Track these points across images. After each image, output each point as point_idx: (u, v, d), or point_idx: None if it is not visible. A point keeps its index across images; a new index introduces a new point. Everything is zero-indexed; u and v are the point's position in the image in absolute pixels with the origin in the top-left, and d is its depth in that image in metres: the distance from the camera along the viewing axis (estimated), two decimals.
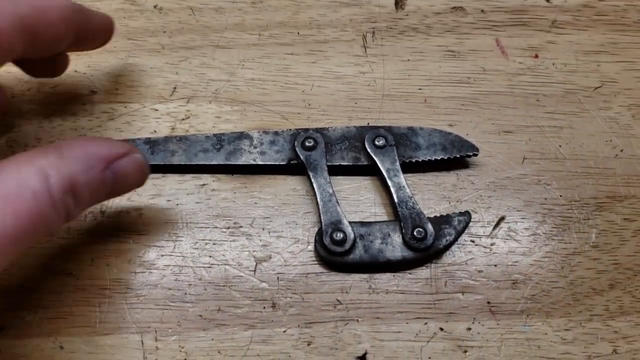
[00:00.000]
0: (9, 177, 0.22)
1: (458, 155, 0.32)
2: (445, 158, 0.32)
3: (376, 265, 0.30)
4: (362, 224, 0.31)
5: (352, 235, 0.30)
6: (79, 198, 0.24)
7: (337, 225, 0.30)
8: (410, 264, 0.31)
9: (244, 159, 0.32)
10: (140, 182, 0.28)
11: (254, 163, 0.32)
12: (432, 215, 0.32)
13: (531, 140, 0.34)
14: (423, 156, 0.32)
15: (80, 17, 0.28)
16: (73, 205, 0.24)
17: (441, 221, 0.31)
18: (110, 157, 0.26)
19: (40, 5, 0.26)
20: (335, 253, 0.30)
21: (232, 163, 0.32)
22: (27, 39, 0.25)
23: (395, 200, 0.31)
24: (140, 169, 0.27)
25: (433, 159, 0.32)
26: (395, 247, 0.30)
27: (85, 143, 0.25)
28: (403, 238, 0.30)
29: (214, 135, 0.33)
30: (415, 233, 0.30)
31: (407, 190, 0.31)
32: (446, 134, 0.33)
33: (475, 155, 0.33)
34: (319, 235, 0.30)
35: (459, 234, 0.31)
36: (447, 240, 0.31)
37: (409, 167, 0.33)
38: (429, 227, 0.30)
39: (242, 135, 0.33)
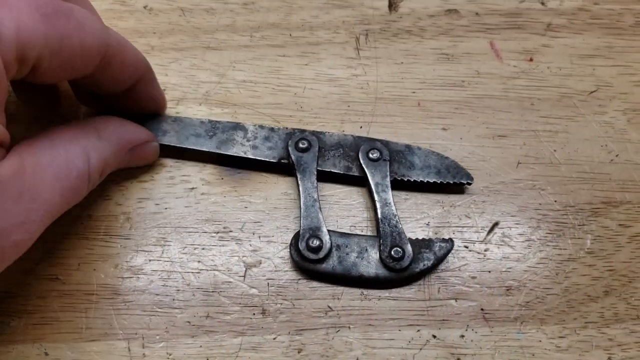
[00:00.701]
0: (59, 156, 0.25)
1: (451, 182, 0.32)
2: (438, 182, 0.32)
3: (348, 279, 0.30)
4: (341, 234, 0.30)
5: (328, 245, 0.29)
6: (104, 174, 0.28)
7: (315, 232, 0.30)
8: (382, 283, 0.30)
9: (234, 150, 0.32)
10: (147, 163, 0.32)
11: (244, 156, 0.32)
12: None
13: (526, 145, 0.34)
14: (416, 176, 0.32)
15: (148, 75, 0.30)
16: (98, 181, 0.28)
17: (422, 244, 0.30)
18: (136, 142, 0.30)
19: (124, 45, 0.27)
20: (308, 259, 0.29)
21: (223, 152, 0.32)
22: (99, 65, 0.26)
23: (379, 215, 0.30)
24: (153, 155, 0.32)
25: (425, 180, 0.32)
26: (370, 264, 0.29)
27: (119, 127, 0.29)
28: (380, 255, 0.30)
29: (209, 121, 0.33)
30: (392, 252, 0.29)
31: (393, 207, 0.30)
32: (443, 157, 0.32)
33: (469, 184, 0.32)
34: (295, 239, 0.30)
35: (439, 260, 0.30)
36: (424, 265, 0.30)
37: (399, 185, 0.32)
38: (408, 248, 0.30)
39: (237, 126, 0.33)
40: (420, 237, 0.31)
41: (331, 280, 0.30)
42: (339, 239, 0.30)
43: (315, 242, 0.29)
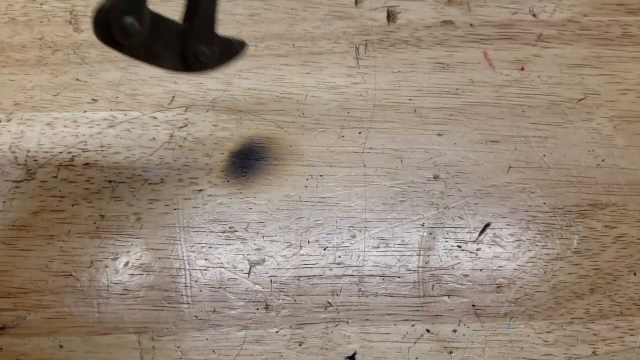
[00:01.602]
0: None
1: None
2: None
3: (145, 61, 0.25)
4: (157, 18, 0.25)
5: (146, 30, 0.24)
6: None
7: (135, 9, 0.23)
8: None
9: None
10: None
11: None
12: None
13: (517, 150, 0.36)
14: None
15: None
16: None
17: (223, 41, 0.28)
18: None
19: None
20: (114, 41, 0.23)
21: None
22: None
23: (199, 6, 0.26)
24: None
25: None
26: (174, 57, 0.26)
27: None
28: (186, 52, 0.26)
29: None
30: (198, 53, 0.27)
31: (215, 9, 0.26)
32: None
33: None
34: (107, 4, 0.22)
35: (228, 59, 0.28)
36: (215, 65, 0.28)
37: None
38: (215, 50, 0.27)
39: None
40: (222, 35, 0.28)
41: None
42: (153, 21, 0.25)
43: (131, 22, 0.23)
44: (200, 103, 0.37)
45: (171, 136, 0.35)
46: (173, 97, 0.36)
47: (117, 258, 0.32)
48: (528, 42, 0.39)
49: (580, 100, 0.37)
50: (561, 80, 0.38)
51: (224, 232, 0.33)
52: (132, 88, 0.37)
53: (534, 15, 0.41)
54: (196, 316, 0.31)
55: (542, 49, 0.39)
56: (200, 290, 0.31)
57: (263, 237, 0.33)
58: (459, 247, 0.33)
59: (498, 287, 0.32)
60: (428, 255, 0.33)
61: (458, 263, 0.32)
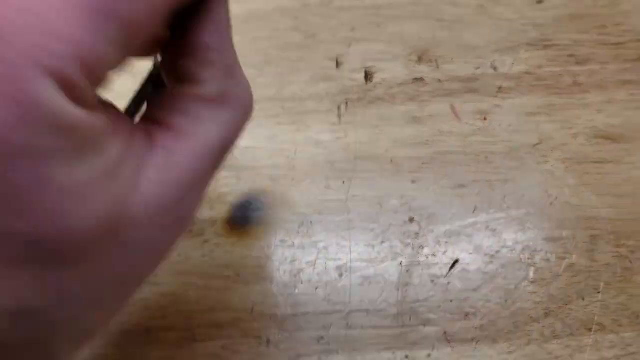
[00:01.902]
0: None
1: None
2: None
3: None
4: None
5: None
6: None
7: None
8: None
9: None
10: None
11: None
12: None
13: (481, 193, 0.41)
14: None
15: None
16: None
17: None
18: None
19: None
20: None
21: None
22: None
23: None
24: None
25: None
26: None
27: None
28: None
29: None
30: None
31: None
32: None
33: None
34: None
35: None
36: None
37: None
38: None
39: None
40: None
41: None
42: None
43: None
44: None
45: None
46: None
47: (138, 304, 0.37)
48: (490, 94, 0.45)
49: (536, 145, 0.43)
50: (519, 127, 0.43)
51: (229, 276, 0.38)
52: None
53: (494, 69, 0.46)
54: (207, 353, 0.36)
55: (502, 99, 0.45)
56: (210, 330, 0.37)
57: (263, 279, 0.38)
58: (432, 282, 0.38)
59: (466, 315, 0.37)
60: (406, 290, 0.38)
61: (432, 296, 0.37)
